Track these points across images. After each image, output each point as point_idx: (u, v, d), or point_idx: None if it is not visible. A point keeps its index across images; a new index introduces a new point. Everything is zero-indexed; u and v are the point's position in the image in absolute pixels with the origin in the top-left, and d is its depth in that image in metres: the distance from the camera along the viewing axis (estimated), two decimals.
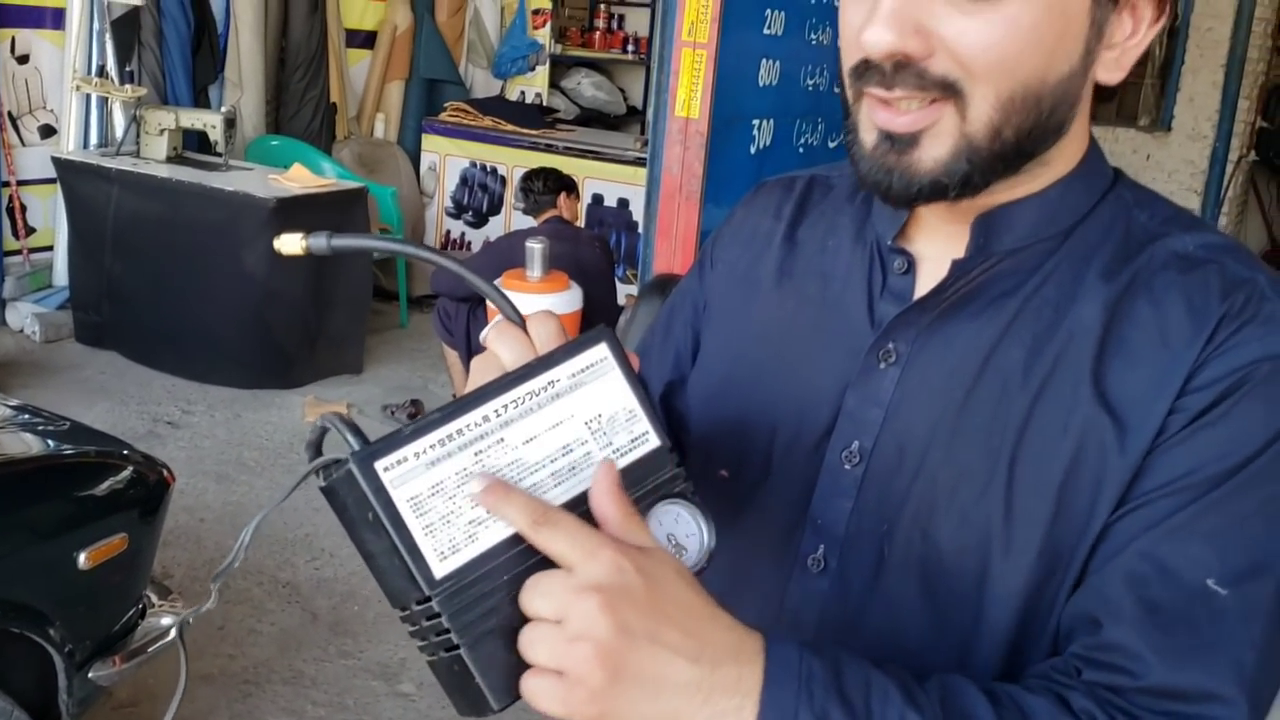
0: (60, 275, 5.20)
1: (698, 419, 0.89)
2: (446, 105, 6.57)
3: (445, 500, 0.60)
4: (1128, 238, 0.75)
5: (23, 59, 5.05)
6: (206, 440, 4.17)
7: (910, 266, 0.79)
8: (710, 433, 0.87)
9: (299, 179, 4.82)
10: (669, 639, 0.60)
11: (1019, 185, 0.74)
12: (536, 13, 7.10)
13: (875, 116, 0.71)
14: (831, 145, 4.06)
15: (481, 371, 0.70)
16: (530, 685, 0.60)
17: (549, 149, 6.12)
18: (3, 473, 2.02)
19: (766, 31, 3.46)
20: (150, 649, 2.13)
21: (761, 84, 3.47)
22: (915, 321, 0.76)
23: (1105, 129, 8.69)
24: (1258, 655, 0.67)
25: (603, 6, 8.32)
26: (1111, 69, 0.72)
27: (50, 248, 5.25)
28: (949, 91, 0.67)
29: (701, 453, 0.87)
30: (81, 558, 1.94)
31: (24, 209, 5.15)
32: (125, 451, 2.20)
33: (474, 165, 6.42)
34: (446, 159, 6.50)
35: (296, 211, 4.58)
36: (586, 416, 0.66)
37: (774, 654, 0.63)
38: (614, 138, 6.67)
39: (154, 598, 2.23)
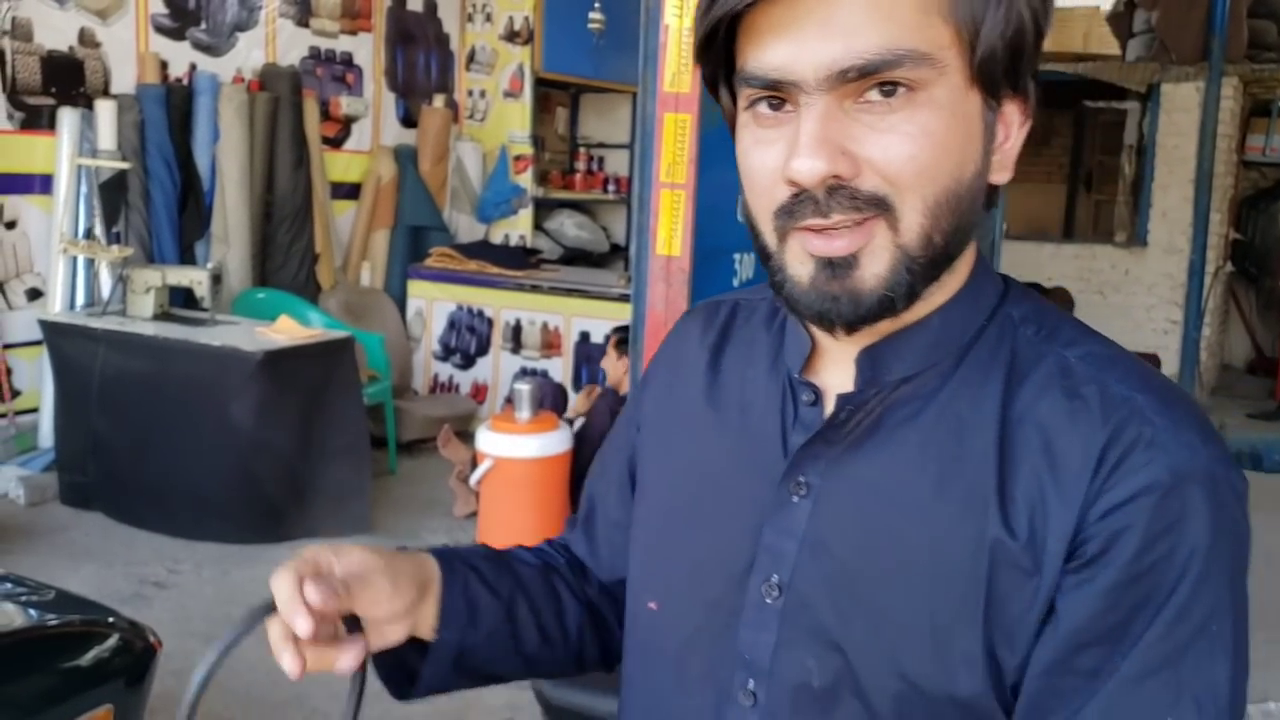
0: (45, 437, 5.16)
1: (633, 549, 0.91)
2: (432, 251, 6.65)
3: None
4: (1015, 358, 0.76)
5: (10, 224, 5.11)
6: (194, 600, 4.07)
7: (818, 398, 0.81)
8: (642, 563, 0.90)
9: (286, 330, 4.83)
10: None
11: (903, 315, 0.75)
12: (518, 158, 7.25)
13: (810, 245, 0.72)
14: None
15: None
16: None
17: (535, 289, 6.18)
18: None
19: None
20: None
21: (740, 219, 3.52)
22: (823, 454, 0.78)
23: (1084, 246, 8.84)
24: None
25: (583, 149, 8.50)
26: (999, 170, 0.76)
27: (36, 409, 5.22)
28: (880, 208, 0.70)
29: (636, 582, 0.90)
30: None
31: (10, 372, 5.14)
32: (110, 619, 2.14)
33: (461, 308, 6.46)
34: (433, 303, 6.55)
35: (283, 363, 4.57)
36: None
37: None
38: (599, 275, 6.74)
39: None
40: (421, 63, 7.10)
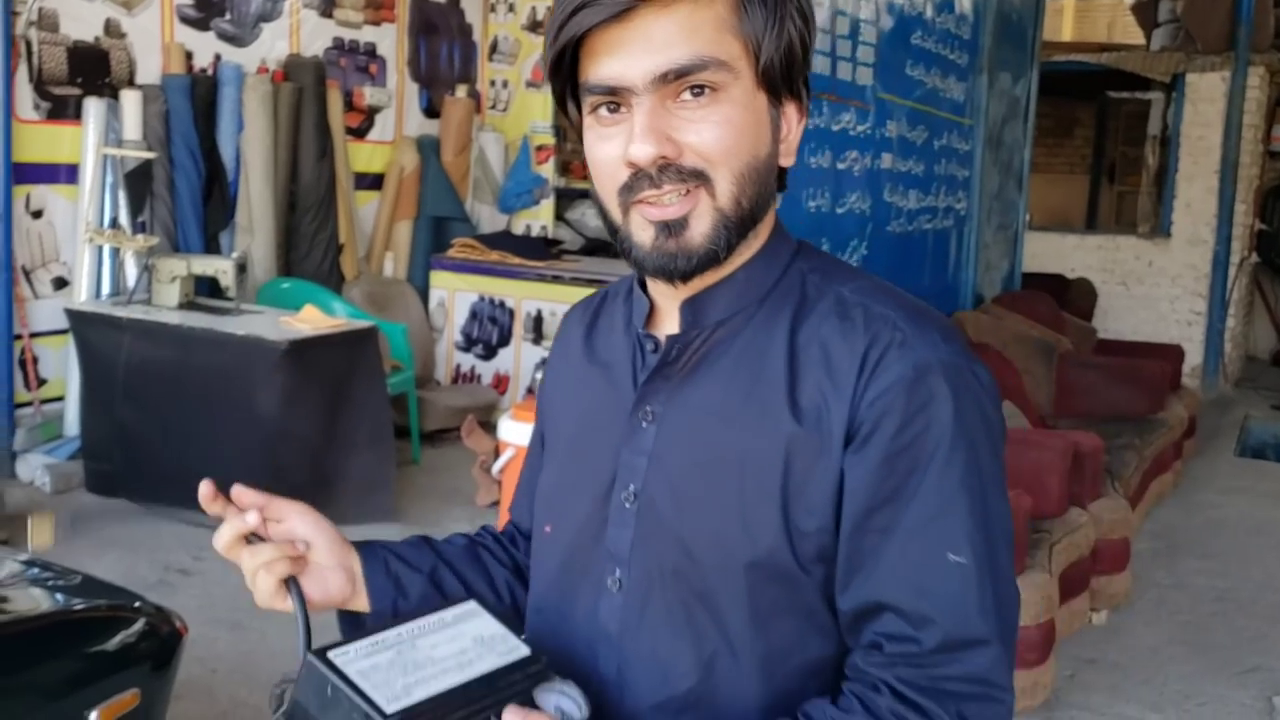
0: (71, 425, 5.20)
1: (537, 492, 1.15)
2: (454, 241, 6.66)
3: (382, 674, 0.85)
4: (804, 299, 0.99)
5: (37, 214, 5.15)
6: (218, 587, 4.10)
7: (657, 346, 1.02)
8: (541, 498, 1.12)
9: (311, 320, 4.85)
10: None
11: (714, 272, 0.98)
12: (540, 148, 7.25)
13: (648, 214, 0.94)
14: None
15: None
16: None
17: (556, 280, 6.18)
18: (12, 631, 1.98)
19: None
20: None
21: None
22: (663, 387, 1.00)
23: (1107, 237, 8.78)
24: (998, 601, 0.90)
25: None
26: (785, 156, 0.98)
27: (61, 398, 5.27)
28: (700, 179, 0.92)
29: (537, 516, 1.12)
30: (93, 716, 1.88)
31: (36, 360, 5.18)
32: (137, 604, 2.16)
33: (482, 299, 6.48)
34: (455, 294, 6.57)
35: (308, 352, 4.60)
36: (473, 636, 0.93)
37: None
38: (620, 266, 6.73)
39: None
40: (444, 53, 7.11)
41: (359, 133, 6.61)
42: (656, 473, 0.98)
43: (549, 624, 1.06)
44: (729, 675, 0.95)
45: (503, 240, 6.67)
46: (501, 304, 6.39)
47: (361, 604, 1.10)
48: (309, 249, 6.07)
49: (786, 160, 0.98)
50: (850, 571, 0.92)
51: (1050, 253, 8.56)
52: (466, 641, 0.92)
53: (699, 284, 0.98)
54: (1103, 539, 4.02)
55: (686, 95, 0.91)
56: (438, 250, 6.74)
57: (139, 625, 2.10)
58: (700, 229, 0.93)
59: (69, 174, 5.22)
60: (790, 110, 0.98)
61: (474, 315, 6.51)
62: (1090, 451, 4.08)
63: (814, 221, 3.90)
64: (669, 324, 1.02)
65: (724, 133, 0.91)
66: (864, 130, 4.21)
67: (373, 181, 6.73)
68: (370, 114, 6.67)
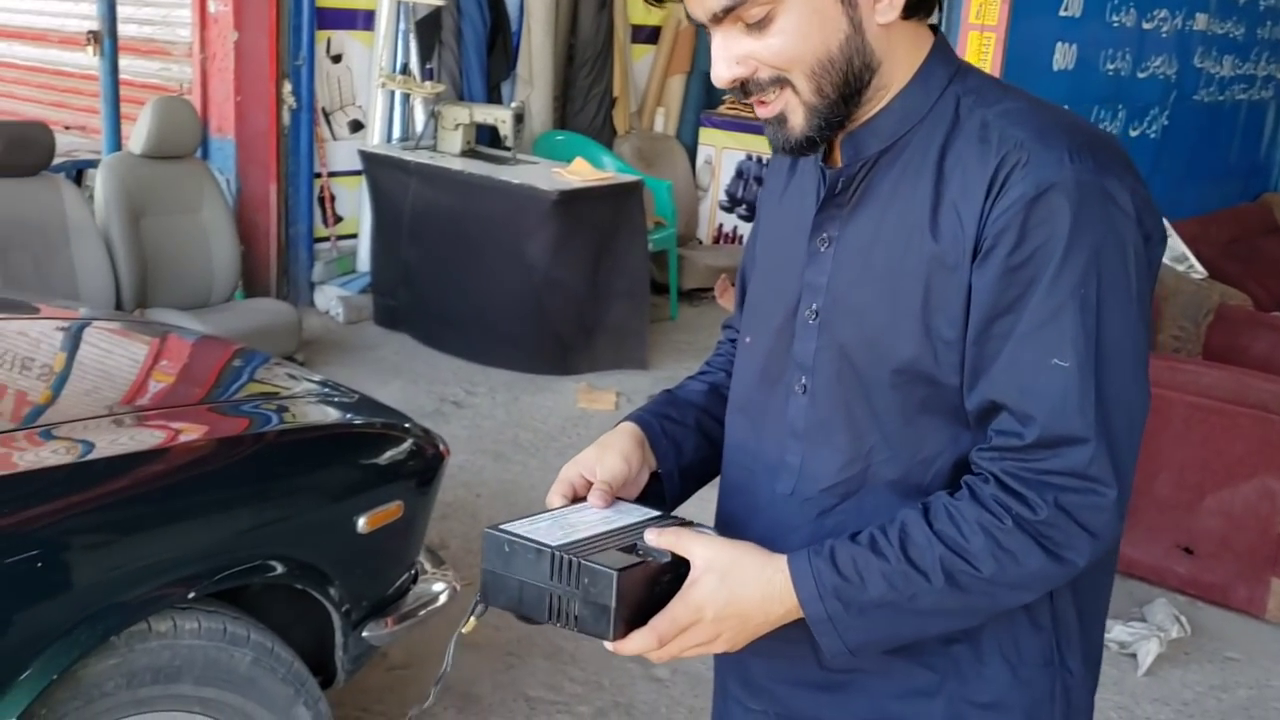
0: (363, 261, 5.57)
1: (746, 306, 1.29)
2: (725, 98, 6.59)
3: (543, 530, 1.06)
4: (956, 122, 1.07)
5: (336, 58, 5.45)
6: (486, 420, 4.35)
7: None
8: (746, 312, 1.28)
9: (580, 172, 4.95)
10: (751, 625, 1.06)
11: (869, 107, 1.09)
12: None
13: (758, 110, 1.10)
14: (1133, 133, 3.79)
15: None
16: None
17: None
18: (301, 437, 2.17)
19: (1063, 13, 3.27)
20: (421, 612, 2.22)
21: (1056, 68, 3.29)
22: (837, 215, 1.12)
23: None
24: (1100, 403, 0.99)
25: None
26: (887, 12, 1.04)
27: (355, 235, 5.64)
28: (781, 84, 1.06)
29: (742, 329, 1.27)
30: (361, 522, 2.04)
31: (333, 198, 5.55)
32: (407, 424, 2.31)
33: (749, 158, 6.41)
34: (723, 152, 6.53)
35: (576, 204, 4.71)
36: (613, 510, 1.14)
37: (793, 566, 1.04)
38: None
39: (427, 565, 2.33)
40: None
41: None
42: (833, 292, 1.12)
43: (750, 421, 1.22)
44: (886, 466, 1.10)
45: None
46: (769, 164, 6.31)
47: (652, 464, 1.28)
48: (584, 103, 6.15)
49: (887, 16, 1.04)
50: (975, 375, 1.04)
51: None
52: (608, 512, 1.13)
53: (857, 120, 1.10)
54: None
55: (744, 23, 1.04)
56: (709, 107, 6.69)
57: (407, 444, 2.26)
58: (795, 121, 1.08)
59: (366, 20, 5.47)
60: None
61: (739, 174, 6.47)
62: None
63: (1110, 85, 3.61)
64: (841, 158, 1.14)
65: (785, 44, 1.03)
66: None
67: (649, 35, 6.71)
68: None
